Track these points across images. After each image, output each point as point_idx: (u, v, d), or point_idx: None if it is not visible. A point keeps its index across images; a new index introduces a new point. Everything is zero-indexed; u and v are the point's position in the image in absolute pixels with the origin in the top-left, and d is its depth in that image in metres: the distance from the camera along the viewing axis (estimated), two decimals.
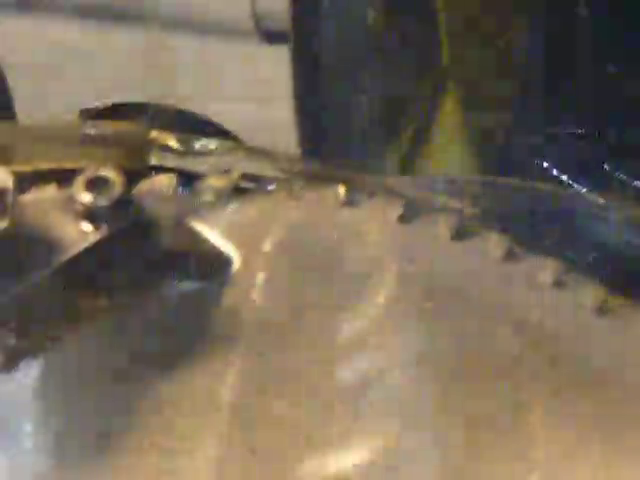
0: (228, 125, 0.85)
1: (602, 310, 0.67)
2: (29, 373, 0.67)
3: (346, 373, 0.67)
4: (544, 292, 0.67)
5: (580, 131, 0.85)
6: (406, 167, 0.95)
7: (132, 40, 0.95)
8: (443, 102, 0.93)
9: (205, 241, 0.70)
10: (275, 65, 0.89)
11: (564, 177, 0.83)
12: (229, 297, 0.69)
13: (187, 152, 0.71)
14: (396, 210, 0.71)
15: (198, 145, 0.72)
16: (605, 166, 0.83)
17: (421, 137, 0.94)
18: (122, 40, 0.94)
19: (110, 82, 0.94)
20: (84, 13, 0.97)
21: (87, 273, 0.66)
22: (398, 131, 0.92)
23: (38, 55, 0.93)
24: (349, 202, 0.71)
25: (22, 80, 0.89)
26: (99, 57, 0.91)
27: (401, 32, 0.89)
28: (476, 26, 0.90)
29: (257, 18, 0.89)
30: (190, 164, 0.71)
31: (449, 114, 0.92)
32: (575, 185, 0.82)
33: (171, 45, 0.98)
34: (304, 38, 0.89)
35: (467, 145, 0.94)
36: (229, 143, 0.74)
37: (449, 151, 0.95)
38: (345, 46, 0.90)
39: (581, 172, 0.83)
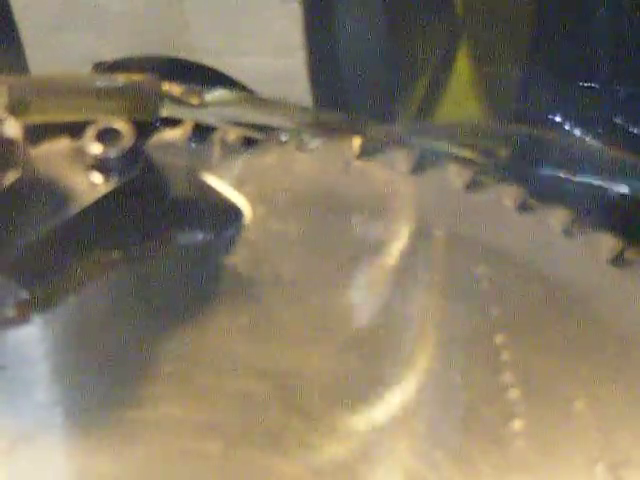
0: (243, 78, 0.84)
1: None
2: (42, 325, 0.68)
3: (361, 321, 0.67)
4: (558, 241, 0.66)
5: (592, 85, 0.84)
6: (422, 116, 0.95)
7: None
8: (458, 54, 0.92)
9: (216, 193, 0.70)
10: (288, 18, 0.88)
11: (576, 131, 0.82)
12: (240, 249, 0.69)
13: (198, 104, 0.70)
14: (409, 161, 0.70)
15: (209, 97, 0.71)
16: (616, 120, 0.82)
17: (436, 88, 0.93)
18: None
19: (125, 35, 0.93)
20: None
21: (99, 225, 0.66)
22: (413, 79, 0.91)
23: (51, 6, 0.91)
24: (362, 154, 0.71)
25: (35, 32, 0.89)
26: (113, 8, 0.90)
27: None
28: None
29: None
30: (201, 116, 0.71)
31: (464, 67, 0.91)
32: (587, 139, 0.81)
33: None
34: None
35: (481, 100, 0.94)
36: (240, 94, 0.73)
37: (464, 106, 0.95)
38: None
39: (592, 126, 0.82)
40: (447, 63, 0.93)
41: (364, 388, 0.65)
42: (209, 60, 0.85)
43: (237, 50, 0.87)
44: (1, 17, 0.86)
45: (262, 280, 0.68)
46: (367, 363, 0.65)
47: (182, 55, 0.83)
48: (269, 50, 0.86)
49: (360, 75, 0.88)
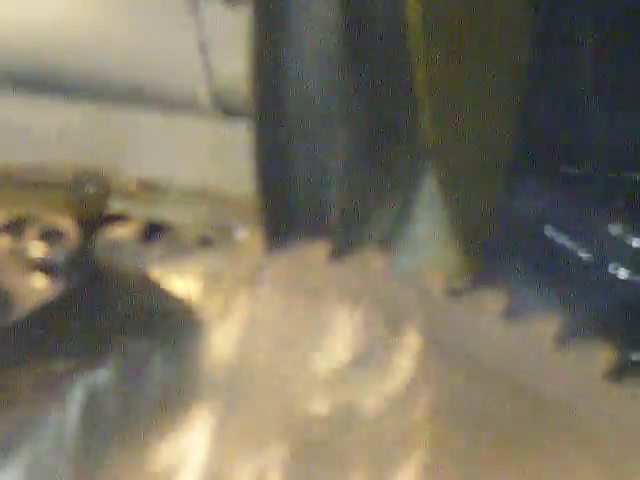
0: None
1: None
2: None
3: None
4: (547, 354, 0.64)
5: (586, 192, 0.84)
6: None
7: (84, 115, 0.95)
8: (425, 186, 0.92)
9: (170, 294, 0.67)
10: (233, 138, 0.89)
11: (568, 243, 0.82)
12: (197, 354, 0.65)
13: (150, 200, 0.67)
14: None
15: (162, 193, 0.68)
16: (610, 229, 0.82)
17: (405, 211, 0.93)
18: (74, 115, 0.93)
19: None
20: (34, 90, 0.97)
21: (40, 334, 0.62)
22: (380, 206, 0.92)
23: None
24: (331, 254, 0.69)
25: None
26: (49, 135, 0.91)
27: (385, 118, 0.88)
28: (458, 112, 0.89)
29: (215, 94, 0.88)
30: (154, 212, 0.67)
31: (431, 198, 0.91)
32: (579, 250, 0.81)
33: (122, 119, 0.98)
34: (265, 115, 0.88)
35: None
36: (194, 192, 0.71)
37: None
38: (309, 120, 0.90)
39: (586, 236, 0.82)
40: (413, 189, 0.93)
41: None
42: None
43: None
44: None
45: (219, 385, 0.65)
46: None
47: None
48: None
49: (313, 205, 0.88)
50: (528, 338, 0.64)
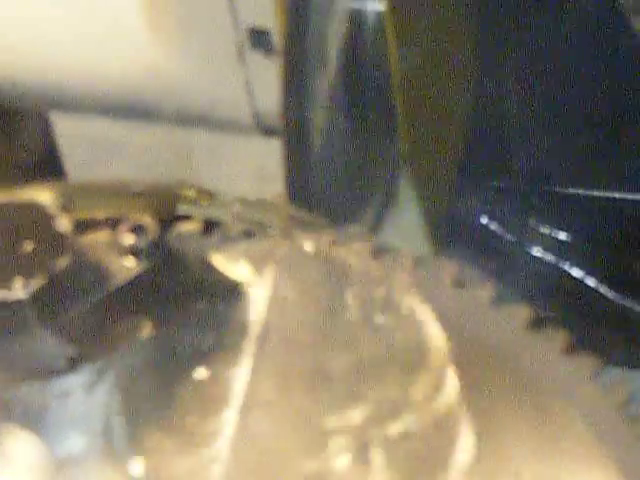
0: None
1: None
2: (84, 375, 0.86)
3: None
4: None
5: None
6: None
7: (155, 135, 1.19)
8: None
9: (222, 271, 0.90)
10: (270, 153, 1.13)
11: (499, 231, 1.04)
12: (240, 310, 0.88)
13: (208, 204, 0.91)
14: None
15: (215, 198, 0.91)
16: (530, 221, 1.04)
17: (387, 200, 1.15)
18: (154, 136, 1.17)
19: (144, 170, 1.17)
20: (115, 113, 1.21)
21: (131, 297, 0.85)
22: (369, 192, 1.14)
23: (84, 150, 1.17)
24: (335, 242, 0.91)
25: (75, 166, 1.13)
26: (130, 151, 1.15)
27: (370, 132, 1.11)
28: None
29: (257, 116, 1.11)
30: (210, 213, 0.91)
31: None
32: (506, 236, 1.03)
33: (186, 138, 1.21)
34: (293, 133, 1.10)
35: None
36: (240, 198, 0.94)
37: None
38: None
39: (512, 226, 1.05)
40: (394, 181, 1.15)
41: None
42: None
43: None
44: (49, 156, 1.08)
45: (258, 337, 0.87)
46: None
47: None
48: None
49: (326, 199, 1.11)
50: (472, 299, 0.86)
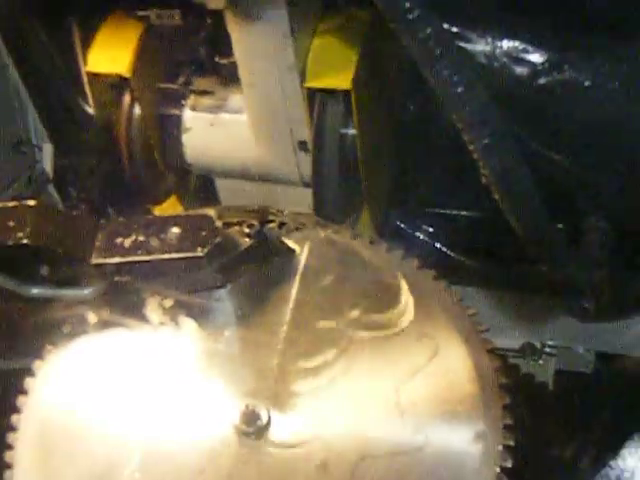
0: None
1: None
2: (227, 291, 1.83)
3: None
4: None
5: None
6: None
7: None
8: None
9: (287, 246, 1.85)
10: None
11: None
12: (293, 265, 1.83)
13: (280, 216, 1.94)
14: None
15: (284, 213, 1.95)
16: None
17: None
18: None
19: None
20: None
21: (247, 256, 1.82)
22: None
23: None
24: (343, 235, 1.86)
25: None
26: None
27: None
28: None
29: (300, 173, 2.08)
30: (281, 219, 1.94)
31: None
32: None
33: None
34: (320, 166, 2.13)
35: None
36: (293, 212, 1.96)
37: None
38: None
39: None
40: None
41: None
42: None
43: None
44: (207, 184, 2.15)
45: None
46: None
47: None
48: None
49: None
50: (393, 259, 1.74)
